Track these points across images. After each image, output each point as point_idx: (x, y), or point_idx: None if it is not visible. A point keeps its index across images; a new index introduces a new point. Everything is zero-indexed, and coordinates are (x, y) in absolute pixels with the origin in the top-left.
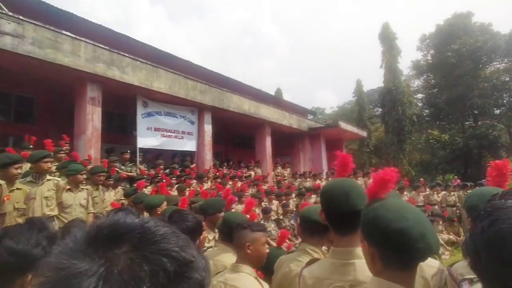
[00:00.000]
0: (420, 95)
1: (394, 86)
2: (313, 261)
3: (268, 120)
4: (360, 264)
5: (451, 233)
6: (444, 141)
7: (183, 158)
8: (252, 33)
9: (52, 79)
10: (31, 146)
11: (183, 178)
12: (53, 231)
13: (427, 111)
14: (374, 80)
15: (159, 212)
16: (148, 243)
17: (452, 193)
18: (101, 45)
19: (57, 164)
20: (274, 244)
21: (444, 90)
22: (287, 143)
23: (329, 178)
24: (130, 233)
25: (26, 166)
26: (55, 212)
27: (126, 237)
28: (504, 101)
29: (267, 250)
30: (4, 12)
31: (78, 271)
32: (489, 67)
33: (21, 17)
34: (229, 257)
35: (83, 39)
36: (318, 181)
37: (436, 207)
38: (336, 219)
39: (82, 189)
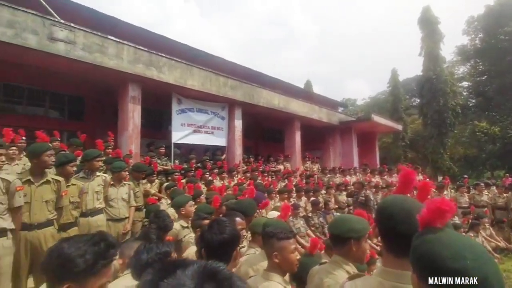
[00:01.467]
0: (465, 84)
1: (435, 75)
2: (356, 276)
3: (298, 114)
4: None
5: (500, 238)
6: (493, 133)
7: (214, 152)
8: (281, 24)
9: (99, 80)
10: (82, 142)
11: (215, 171)
12: (102, 249)
13: (473, 101)
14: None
15: (183, 212)
16: None
17: (504, 194)
18: (141, 47)
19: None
20: (303, 242)
21: (494, 78)
22: (317, 137)
23: (357, 174)
24: None
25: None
26: (103, 205)
27: None
28: None
29: (298, 257)
30: (57, 20)
31: None
32: None
33: (72, 24)
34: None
35: (125, 42)
36: (348, 177)
37: (486, 209)
38: (392, 239)
39: (124, 184)
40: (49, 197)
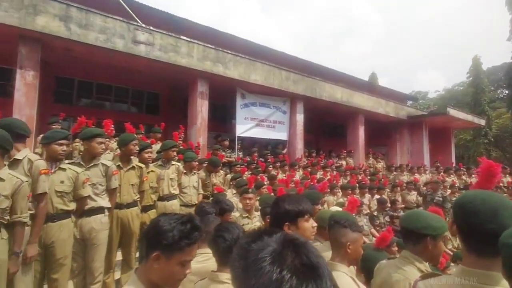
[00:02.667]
0: None
1: None
2: (430, 275)
3: (362, 108)
4: None
5: None
6: None
7: (275, 146)
8: (343, 15)
9: (172, 77)
10: (161, 130)
11: (277, 165)
12: (188, 229)
13: None
14: (497, 57)
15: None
16: None
17: None
18: (209, 45)
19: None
20: (366, 240)
21: None
22: (382, 132)
23: (428, 173)
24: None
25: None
26: (177, 192)
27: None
28: None
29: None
30: (139, 24)
31: None
32: None
33: (151, 27)
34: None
35: (195, 41)
36: (417, 175)
37: None
38: (474, 238)
39: (195, 173)
40: (134, 181)
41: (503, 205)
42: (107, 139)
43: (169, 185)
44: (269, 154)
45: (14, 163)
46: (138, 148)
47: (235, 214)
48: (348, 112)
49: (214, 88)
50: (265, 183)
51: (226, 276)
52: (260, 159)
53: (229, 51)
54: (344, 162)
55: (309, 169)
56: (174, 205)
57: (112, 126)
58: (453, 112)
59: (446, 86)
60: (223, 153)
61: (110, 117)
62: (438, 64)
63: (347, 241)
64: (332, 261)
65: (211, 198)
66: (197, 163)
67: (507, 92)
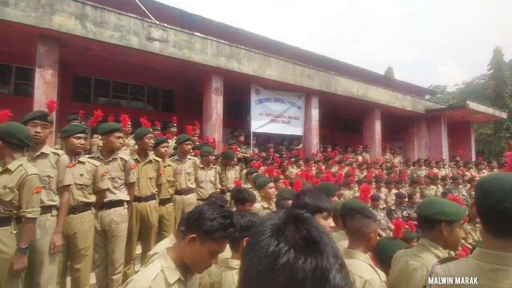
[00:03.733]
0: None
1: None
2: (448, 259)
3: (378, 102)
4: None
5: None
6: None
7: (291, 142)
8: (360, 7)
9: (187, 74)
10: (175, 125)
11: (292, 160)
12: (226, 224)
13: None
14: None
15: (262, 194)
16: None
17: None
18: (223, 41)
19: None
20: (384, 235)
21: None
22: (399, 127)
23: (446, 167)
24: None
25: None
26: (194, 186)
27: None
28: None
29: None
30: (153, 22)
31: None
32: None
33: (165, 24)
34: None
35: (209, 37)
36: (435, 170)
37: None
38: (491, 217)
39: (212, 167)
40: (151, 175)
41: None
42: (124, 136)
43: (186, 179)
44: (284, 150)
45: (41, 156)
46: (153, 142)
47: (256, 206)
48: (364, 107)
49: (228, 84)
50: (282, 177)
51: (236, 262)
52: (276, 154)
53: (243, 47)
54: (360, 157)
55: (322, 164)
56: (191, 199)
57: (129, 123)
58: (472, 105)
59: (466, 80)
60: (239, 148)
61: (127, 115)
62: (458, 57)
63: (371, 231)
64: (350, 249)
65: (227, 193)
66: (213, 157)
67: None
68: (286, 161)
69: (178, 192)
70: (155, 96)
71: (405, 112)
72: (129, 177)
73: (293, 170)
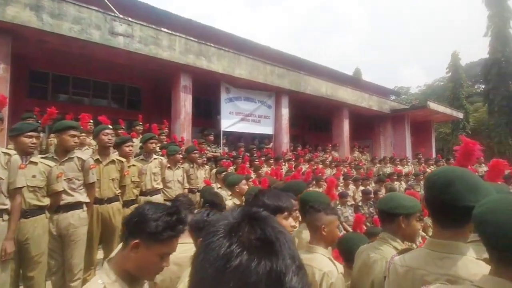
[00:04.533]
0: None
1: (504, 57)
2: (405, 250)
3: (346, 102)
4: (464, 261)
5: None
6: None
7: (261, 141)
8: (330, 9)
9: (154, 71)
10: (141, 123)
11: (262, 159)
12: (173, 221)
13: None
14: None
15: (237, 190)
16: None
17: None
18: (191, 38)
19: (160, 145)
20: (350, 230)
21: None
22: (367, 126)
23: (410, 164)
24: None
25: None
26: (160, 186)
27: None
28: None
29: (339, 233)
30: (117, 15)
31: None
32: None
33: (130, 18)
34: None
35: (177, 34)
36: (399, 167)
37: None
38: (434, 209)
39: (179, 167)
40: (114, 176)
41: (461, 177)
42: (84, 134)
43: (152, 180)
44: (255, 149)
45: None
46: (110, 138)
47: (228, 203)
48: (333, 106)
49: (197, 82)
50: (252, 176)
51: None
52: (246, 153)
53: (212, 45)
54: (329, 156)
55: (293, 163)
56: (157, 200)
57: (91, 121)
58: (433, 105)
59: (427, 82)
60: (208, 147)
61: (89, 113)
62: (421, 60)
63: (322, 224)
64: (310, 244)
65: (197, 193)
66: (181, 156)
67: (483, 87)
68: (257, 160)
69: (143, 193)
70: (121, 93)
71: (372, 111)
72: (88, 178)
73: (264, 169)
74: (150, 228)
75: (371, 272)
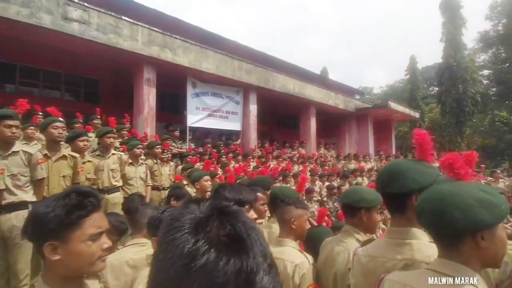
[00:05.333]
0: (486, 72)
1: (455, 62)
2: (368, 241)
3: (313, 100)
4: (418, 245)
5: None
6: None
7: (229, 137)
8: (301, 9)
9: (114, 62)
10: (98, 117)
11: (230, 155)
12: (74, 199)
13: (494, 89)
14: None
15: (198, 187)
16: None
17: None
18: (155, 29)
19: (120, 140)
20: (315, 223)
21: None
22: (333, 124)
23: (372, 161)
24: None
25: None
26: (120, 183)
27: None
28: None
29: (308, 226)
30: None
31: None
32: None
33: (86, 4)
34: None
35: (140, 23)
36: (363, 164)
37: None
38: (385, 199)
39: (142, 163)
40: (66, 173)
41: (406, 170)
42: (33, 127)
43: (110, 176)
44: (222, 145)
45: None
46: (61, 132)
47: None
48: (301, 104)
49: (162, 76)
50: (219, 172)
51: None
52: (214, 150)
53: (178, 37)
54: (296, 153)
55: (264, 159)
56: (116, 198)
57: (40, 113)
58: (393, 105)
59: (388, 83)
60: (173, 143)
61: (39, 105)
62: (384, 62)
63: (291, 217)
64: (280, 237)
65: (162, 190)
66: (141, 151)
67: (437, 89)
68: (224, 156)
69: (100, 190)
70: (76, 85)
71: (338, 110)
72: (36, 173)
73: (231, 165)
74: (50, 222)
75: (335, 264)
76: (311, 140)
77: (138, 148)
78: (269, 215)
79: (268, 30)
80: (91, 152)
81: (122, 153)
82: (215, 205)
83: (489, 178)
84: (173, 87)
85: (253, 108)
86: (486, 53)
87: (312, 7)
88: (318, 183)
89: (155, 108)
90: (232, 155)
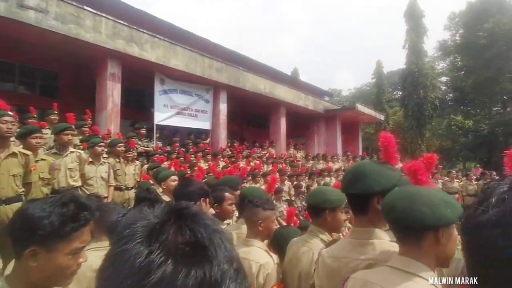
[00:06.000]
0: (444, 78)
1: (417, 68)
2: (332, 242)
3: (284, 100)
4: (380, 244)
5: None
6: (467, 127)
7: (198, 136)
8: (273, 10)
9: (75, 54)
10: (56, 112)
11: (199, 154)
12: (72, 211)
13: (451, 95)
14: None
15: (164, 187)
16: None
17: (474, 182)
18: (121, 21)
19: (80, 137)
20: (284, 223)
21: (471, 73)
22: (302, 124)
23: (340, 161)
24: None
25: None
26: (79, 183)
27: None
28: None
29: (276, 227)
30: None
31: None
32: None
33: None
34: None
35: (104, 15)
36: (331, 164)
37: (457, 195)
38: (349, 200)
39: (104, 162)
40: (16, 171)
41: (370, 171)
42: None
43: (67, 176)
44: (191, 144)
45: None
46: (10, 127)
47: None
48: (271, 104)
49: (128, 71)
50: (188, 171)
51: None
52: (182, 149)
53: (145, 31)
54: (266, 153)
55: (234, 159)
56: None
57: None
58: (360, 107)
59: (356, 86)
60: (139, 142)
61: None
62: (352, 65)
63: (259, 219)
64: (248, 238)
65: (126, 191)
66: (102, 149)
67: (400, 93)
68: (192, 155)
69: (56, 191)
70: (31, 77)
71: (308, 111)
72: None
73: (201, 165)
74: (42, 229)
75: (299, 264)
76: (281, 140)
77: (99, 146)
78: (237, 215)
79: (239, 28)
80: (47, 150)
81: (81, 151)
82: (172, 208)
83: (445, 178)
84: (140, 83)
85: (223, 107)
86: (444, 61)
87: (284, 8)
88: (287, 182)
89: (119, 105)
90: (201, 154)
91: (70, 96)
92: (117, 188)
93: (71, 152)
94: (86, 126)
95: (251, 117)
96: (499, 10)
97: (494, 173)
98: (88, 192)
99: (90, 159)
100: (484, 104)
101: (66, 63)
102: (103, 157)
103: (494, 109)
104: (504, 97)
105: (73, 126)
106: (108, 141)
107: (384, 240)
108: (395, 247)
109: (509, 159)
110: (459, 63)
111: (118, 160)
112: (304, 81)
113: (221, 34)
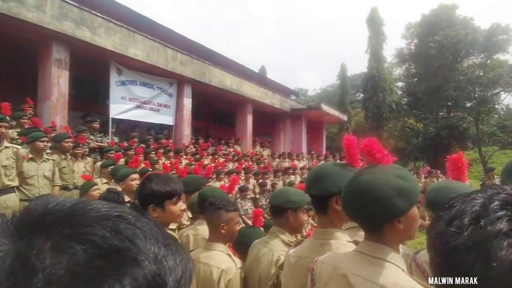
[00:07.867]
0: (400, 84)
1: (377, 73)
2: (298, 243)
3: (251, 97)
4: (336, 245)
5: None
6: (418, 129)
7: (160, 131)
8: (241, 4)
9: (15, 36)
10: None
11: (160, 151)
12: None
13: (405, 99)
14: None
15: (123, 187)
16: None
17: (422, 179)
18: (69, 1)
19: (18, 130)
20: (250, 222)
21: (423, 80)
22: (269, 122)
23: (305, 159)
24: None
25: None
26: (16, 183)
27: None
28: (476, 95)
29: (238, 227)
30: None
31: None
32: (466, 61)
33: None
34: (207, 230)
35: None
36: (296, 162)
37: None
38: (311, 201)
39: (47, 159)
40: None
41: (329, 173)
42: None
43: (2, 175)
44: (151, 140)
45: None
46: None
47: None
48: (238, 100)
49: (78, 58)
50: (150, 169)
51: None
52: (141, 145)
53: (98, 14)
54: (232, 150)
55: (198, 156)
56: (9, 200)
57: None
58: (325, 107)
59: (322, 87)
60: (92, 136)
61: None
62: (318, 66)
63: (221, 222)
64: (209, 241)
65: (73, 190)
66: (45, 144)
67: (362, 95)
68: (153, 152)
69: None
70: None
71: (274, 109)
72: None
73: (162, 162)
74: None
75: (260, 265)
76: (247, 138)
77: (41, 141)
78: (190, 215)
79: (205, 21)
80: None
81: (19, 146)
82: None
83: None
84: (93, 72)
85: (188, 102)
86: (401, 67)
87: (252, 5)
88: (252, 181)
89: (67, 95)
90: (162, 151)
91: (7, 83)
92: (64, 188)
93: (6, 147)
94: (25, 117)
95: (217, 113)
96: (449, 23)
97: (439, 172)
98: (28, 193)
99: (31, 156)
100: (433, 109)
101: (4, 45)
102: (47, 153)
103: (440, 113)
104: (449, 103)
105: (7, 117)
106: (52, 135)
107: (341, 241)
108: (350, 247)
109: (450, 164)
110: (413, 70)
111: (64, 156)
112: (272, 79)
113: (183, 25)
